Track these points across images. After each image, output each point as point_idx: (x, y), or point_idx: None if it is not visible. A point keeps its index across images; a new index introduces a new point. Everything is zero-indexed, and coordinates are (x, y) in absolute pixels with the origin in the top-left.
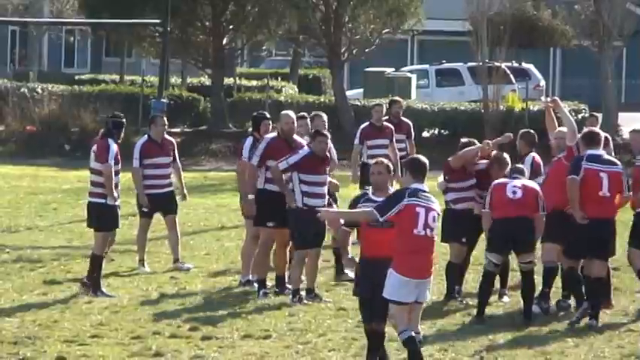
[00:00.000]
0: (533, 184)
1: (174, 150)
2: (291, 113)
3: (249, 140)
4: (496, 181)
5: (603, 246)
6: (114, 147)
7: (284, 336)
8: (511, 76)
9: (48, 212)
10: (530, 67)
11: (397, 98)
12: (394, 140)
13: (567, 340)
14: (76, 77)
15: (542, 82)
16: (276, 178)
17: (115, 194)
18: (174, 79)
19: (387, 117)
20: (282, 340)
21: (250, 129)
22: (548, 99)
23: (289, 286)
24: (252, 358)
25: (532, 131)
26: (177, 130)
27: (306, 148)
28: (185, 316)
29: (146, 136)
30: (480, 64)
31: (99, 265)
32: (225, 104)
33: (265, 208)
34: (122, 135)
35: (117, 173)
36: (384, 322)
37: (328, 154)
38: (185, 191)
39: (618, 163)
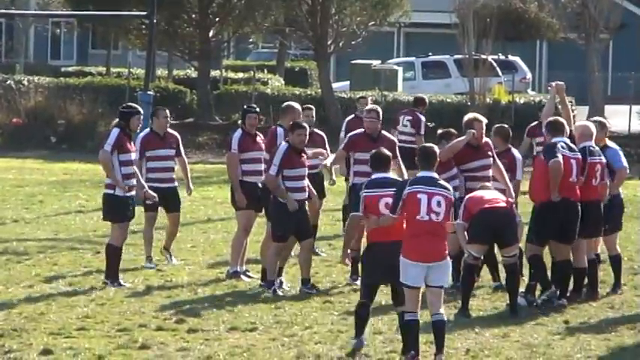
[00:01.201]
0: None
1: (178, 144)
2: (296, 105)
3: (238, 132)
4: (470, 195)
5: (571, 229)
6: (114, 133)
7: (270, 328)
8: (497, 69)
9: (34, 204)
10: (517, 59)
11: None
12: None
13: (553, 333)
14: (63, 69)
15: (529, 75)
16: (273, 187)
17: (126, 183)
18: (161, 72)
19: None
20: (268, 332)
21: (240, 121)
22: (555, 83)
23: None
24: (238, 350)
25: (506, 126)
26: None
27: (283, 143)
28: (171, 309)
29: (148, 128)
30: (467, 56)
31: (114, 255)
32: (211, 96)
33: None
34: (136, 125)
35: (127, 163)
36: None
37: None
38: (191, 185)
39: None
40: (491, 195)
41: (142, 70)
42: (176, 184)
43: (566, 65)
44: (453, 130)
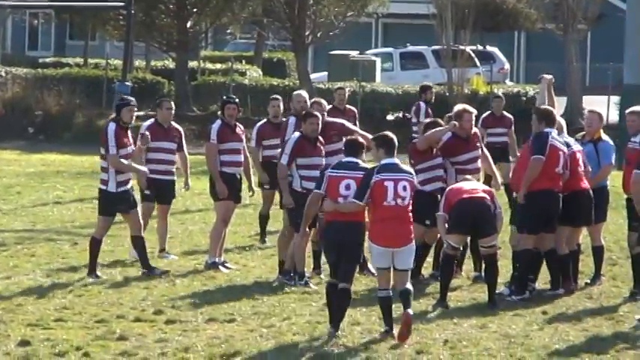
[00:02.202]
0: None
1: (180, 138)
2: (304, 92)
3: (217, 123)
4: (451, 186)
5: (555, 219)
6: (112, 132)
7: (248, 320)
8: (476, 60)
9: (11, 195)
10: (495, 50)
11: (339, 85)
12: (357, 123)
13: (532, 324)
14: (40, 60)
15: (507, 66)
16: (282, 176)
17: (119, 178)
18: (139, 62)
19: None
20: (247, 323)
21: (219, 112)
22: (548, 76)
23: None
24: (216, 341)
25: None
26: (142, 113)
27: (296, 132)
28: (149, 300)
29: (152, 119)
30: (445, 47)
31: (93, 247)
32: (189, 87)
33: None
34: (127, 117)
35: (124, 157)
36: (349, 283)
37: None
38: (189, 180)
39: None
40: (470, 185)
41: (119, 61)
42: (174, 177)
43: (544, 56)
44: (440, 121)
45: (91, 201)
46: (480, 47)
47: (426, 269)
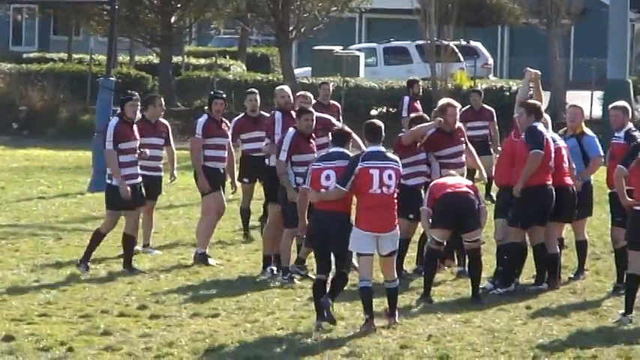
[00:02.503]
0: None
1: (168, 133)
2: (286, 87)
3: (204, 118)
4: (435, 181)
5: (548, 213)
6: (112, 125)
7: (232, 314)
8: (459, 55)
9: None
10: (479, 45)
11: (323, 80)
12: (340, 118)
13: (516, 319)
14: (24, 55)
15: (491, 61)
16: (282, 172)
17: (123, 171)
18: (123, 58)
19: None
20: (231, 318)
21: (206, 107)
22: (532, 70)
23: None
24: (200, 336)
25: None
26: None
27: (291, 129)
28: (133, 295)
29: (140, 115)
30: (428, 42)
31: (95, 239)
32: (173, 82)
33: (208, 180)
34: (130, 111)
35: (126, 152)
36: (347, 270)
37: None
38: (175, 173)
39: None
40: (454, 180)
41: (103, 56)
42: (162, 173)
43: (527, 51)
44: (425, 116)
45: (75, 196)
46: (464, 42)
47: (410, 264)
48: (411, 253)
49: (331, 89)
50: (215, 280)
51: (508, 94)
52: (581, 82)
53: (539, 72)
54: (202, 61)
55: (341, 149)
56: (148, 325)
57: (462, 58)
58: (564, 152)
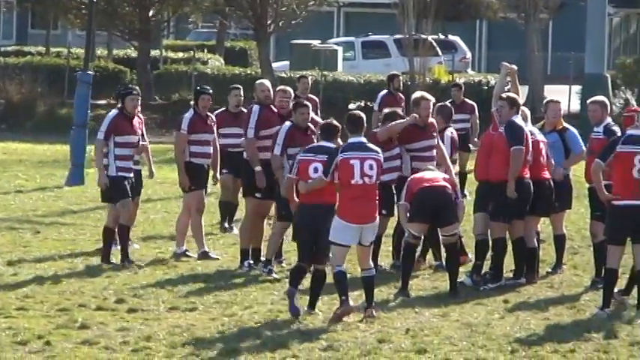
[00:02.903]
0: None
1: (142, 127)
2: (266, 81)
3: (190, 113)
4: (412, 176)
5: (526, 205)
6: (109, 117)
7: (210, 308)
8: (437, 49)
9: None
10: (457, 39)
11: (301, 74)
12: (318, 112)
13: (493, 313)
14: (2, 49)
15: (469, 55)
16: (277, 166)
17: (118, 164)
18: (101, 51)
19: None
20: (208, 312)
21: (192, 102)
22: (508, 64)
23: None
24: (177, 330)
25: (448, 105)
26: (103, 102)
27: (287, 122)
28: (111, 289)
29: (116, 110)
30: (407, 36)
31: (125, 237)
32: (151, 76)
33: (192, 177)
34: (130, 105)
35: (122, 145)
36: (324, 264)
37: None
38: (153, 169)
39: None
40: (431, 175)
41: (81, 49)
42: (140, 167)
43: (505, 45)
44: (399, 112)
45: (53, 190)
46: (442, 36)
47: (387, 257)
48: (388, 247)
49: (310, 83)
50: (193, 274)
51: (486, 88)
52: (559, 76)
53: (515, 66)
54: (180, 54)
55: (328, 143)
56: (125, 319)
57: (440, 53)
58: (542, 146)
